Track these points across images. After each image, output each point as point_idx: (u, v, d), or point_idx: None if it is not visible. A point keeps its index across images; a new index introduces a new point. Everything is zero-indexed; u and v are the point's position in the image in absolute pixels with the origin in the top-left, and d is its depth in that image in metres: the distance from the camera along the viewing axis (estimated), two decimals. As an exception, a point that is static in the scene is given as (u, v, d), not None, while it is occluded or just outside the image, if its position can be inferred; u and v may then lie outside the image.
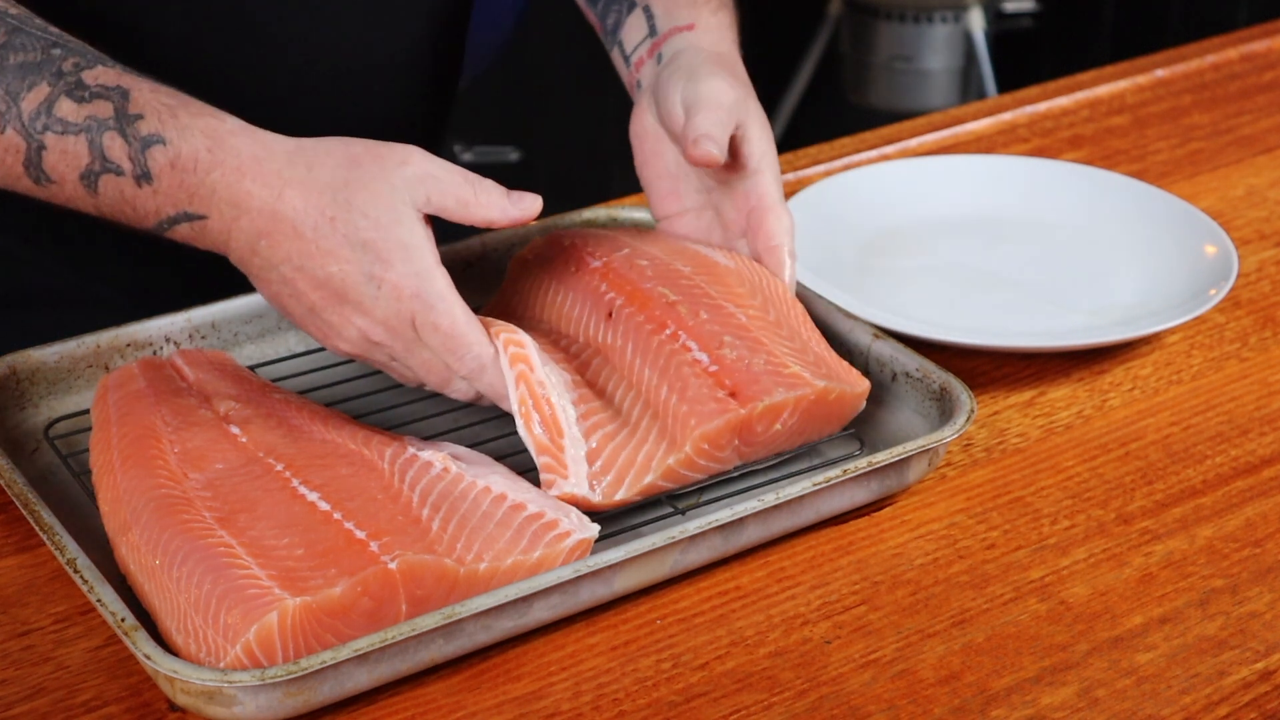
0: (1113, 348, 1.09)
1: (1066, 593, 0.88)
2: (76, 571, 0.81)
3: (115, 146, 0.92)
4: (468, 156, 2.73)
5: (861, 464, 0.90)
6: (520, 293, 1.04)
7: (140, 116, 0.93)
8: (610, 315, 0.97)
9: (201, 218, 0.92)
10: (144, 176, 0.92)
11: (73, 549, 0.82)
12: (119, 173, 0.92)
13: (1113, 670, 0.83)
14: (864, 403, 0.97)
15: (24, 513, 0.86)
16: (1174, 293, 1.13)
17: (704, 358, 0.93)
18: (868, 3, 2.80)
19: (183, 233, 0.93)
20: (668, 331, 0.95)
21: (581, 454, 0.90)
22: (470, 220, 0.92)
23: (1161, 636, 0.85)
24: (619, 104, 1.36)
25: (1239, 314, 1.14)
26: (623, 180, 1.09)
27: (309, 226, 0.91)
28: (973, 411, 0.94)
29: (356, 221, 0.90)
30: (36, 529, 0.85)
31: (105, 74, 0.95)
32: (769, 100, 2.94)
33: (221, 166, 0.93)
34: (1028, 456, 0.99)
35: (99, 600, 0.79)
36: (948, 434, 0.93)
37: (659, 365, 0.94)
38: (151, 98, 0.94)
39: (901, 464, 0.93)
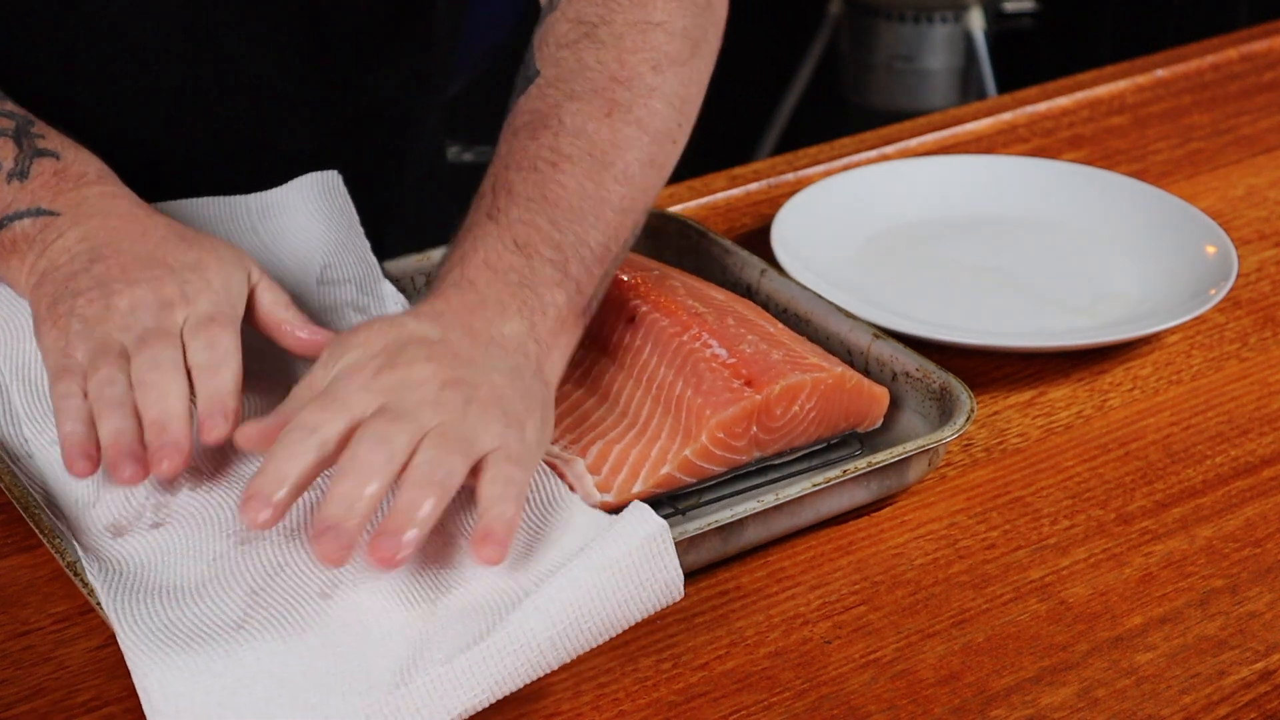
0: (1113, 348, 1.09)
1: (1066, 593, 0.88)
2: (77, 575, 0.81)
3: (4, 149, 0.94)
4: (468, 156, 2.73)
5: (861, 464, 0.90)
6: None
7: (42, 136, 0.95)
8: (633, 320, 0.97)
9: (51, 214, 0.92)
10: (19, 175, 0.93)
11: (74, 552, 0.82)
12: None
13: (1113, 670, 0.83)
14: (885, 408, 0.97)
15: (24, 516, 0.86)
16: (1174, 293, 1.13)
17: (723, 352, 0.93)
18: (868, 3, 2.80)
19: (12, 234, 0.93)
20: (690, 332, 0.95)
21: (581, 467, 0.90)
22: (271, 315, 0.92)
23: (1161, 636, 0.85)
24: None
25: (1239, 314, 1.14)
26: (622, 180, 1.09)
27: (156, 237, 0.92)
28: (973, 411, 0.94)
29: (190, 253, 0.92)
30: (37, 531, 0.85)
31: (13, 105, 0.97)
32: (769, 100, 2.95)
33: (105, 183, 0.94)
34: (1028, 456, 0.99)
35: (99, 603, 0.79)
36: (948, 434, 0.93)
37: (676, 363, 0.94)
38: (57, 132, 0.96)
39: (901, 464, 0.92)
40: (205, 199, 1.07)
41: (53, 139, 0.96)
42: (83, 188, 0.94)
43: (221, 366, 0.86)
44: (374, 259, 1.04)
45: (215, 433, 0.84)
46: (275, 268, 1.03)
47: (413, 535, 0.76)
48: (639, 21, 0.96)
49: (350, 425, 0.78)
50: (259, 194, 1.08)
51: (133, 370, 0.85)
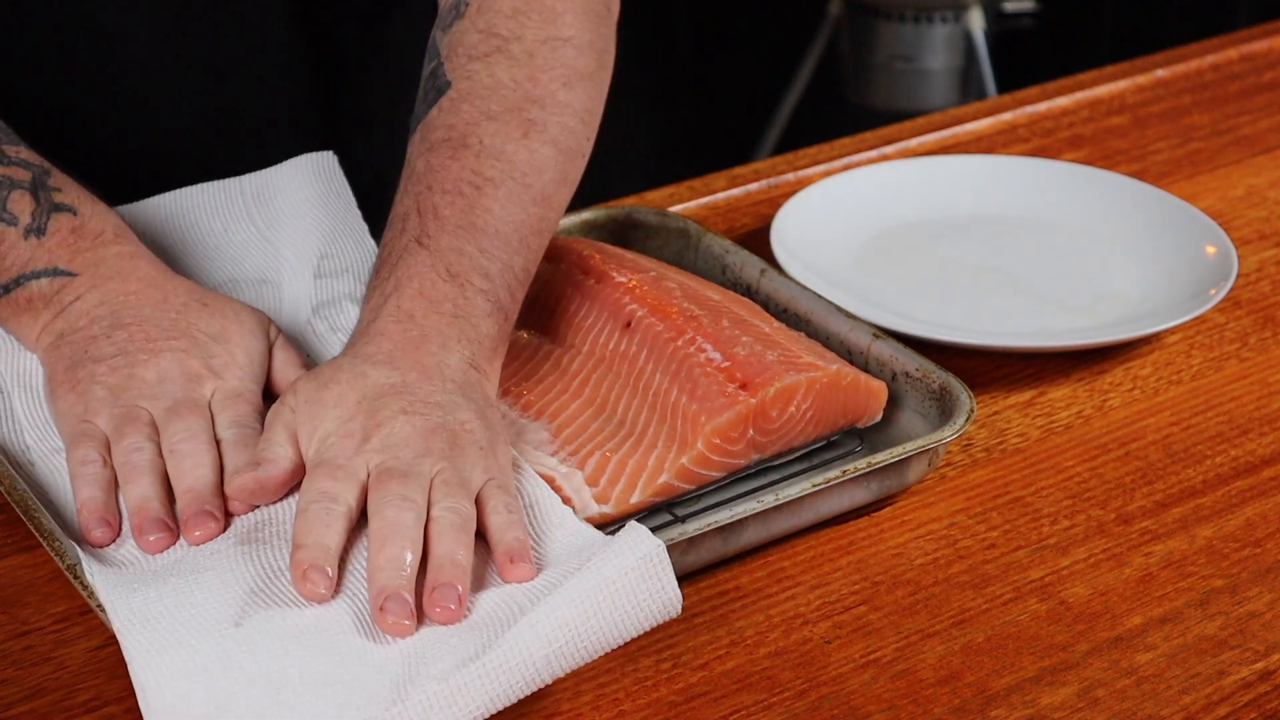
0: (1113, 348, 1.09)
1: (1066, 593, 0.88)
2: (76, 578, 0.81)
3: (21, 203, 0.93)
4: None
5: (861, 464, 0.90)
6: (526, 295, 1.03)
7: (60, 190, 0.95)
8: (629, 325, 0.97)
9: (69, 274, 0.92)
10: (37, 231, 0.93)
11: (73, 554, 0.82)
12: (9, 223, 0.93)
13: (1113, 670, 0.83)
14: (883, 402, 0.97)
15: (24, 519, 0.86)
16: (1174, 293, 1.13)
17: (717, 356, 0.93)
18: (868, 3, 2.80)
19: (28, 292, 0.93)
20: (685, 337, 0.95)
21: (579, 480, 0.90)
22: (281, 378, 0.94)
23: (1161, 636, 0.85)
24: (618, 103, 1.36)
25: (1239, 314, 1.14)
26: (622, 180, 1.09)
27: (178, 304, 0.92)
28: (973, 411, 0.94)
29: (214, 321, 0.93)
30: (36, 534, 0.85)
31: (29, 153, 0.97)
32: (769, 100, 2.95)
33: (122, 242, 0.94)
34: (1028, 456, 0.99)
35: (99, 605, 0.79)
36: (948, 434, 0.92)
37: (671, 369, 0.93)
38: (74, 183, 0.96)
39: (901, 464, 0.92)
40: (199, 186, 1.07)
41: (70, 192, 0.95)
42: (100, 247, 0.94)
43: (249, 443, 0.87)
44: (372, 242, 1.04)
45: (241, 510, 0.86)
46: (273, 260, 1.04)
47: (464, 583, 0.79)
48: (550, 38, 0.98)
49: (360, 488, 0.82)
50: (254, 175, 1.08)
51: (164, 438, 0.87)
